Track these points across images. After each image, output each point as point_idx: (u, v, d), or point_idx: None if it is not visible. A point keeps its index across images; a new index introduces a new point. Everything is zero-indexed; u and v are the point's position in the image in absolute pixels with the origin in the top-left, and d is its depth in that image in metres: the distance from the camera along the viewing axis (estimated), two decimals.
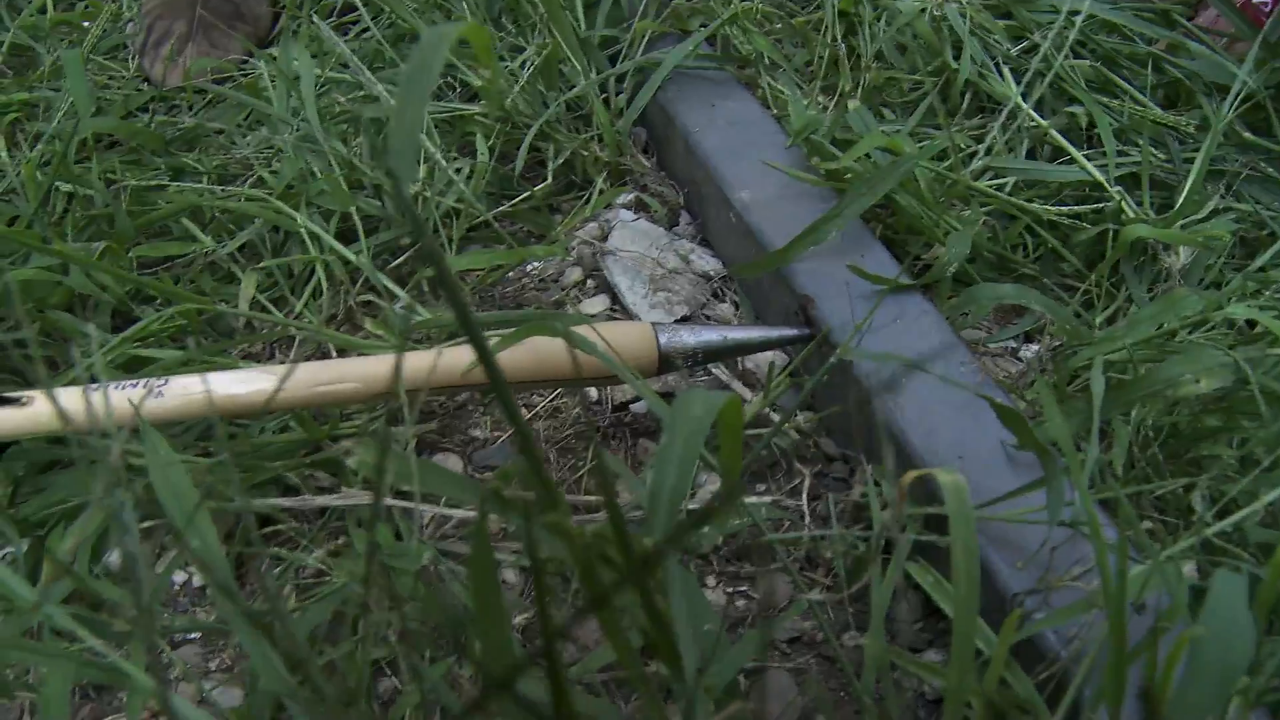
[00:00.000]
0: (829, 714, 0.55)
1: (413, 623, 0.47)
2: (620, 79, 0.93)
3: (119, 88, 1.11)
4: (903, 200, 0.74)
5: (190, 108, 1.07)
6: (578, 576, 0.31)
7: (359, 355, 0.72)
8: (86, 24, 1.19)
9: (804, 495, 0.65)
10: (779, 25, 0.96)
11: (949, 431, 0.59)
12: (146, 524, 0.60)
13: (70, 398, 0.62)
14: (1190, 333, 0.65)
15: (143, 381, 0.60)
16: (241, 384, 0.62)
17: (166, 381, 0.60)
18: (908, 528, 0.53)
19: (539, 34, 0.94)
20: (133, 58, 1.15)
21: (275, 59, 1.08)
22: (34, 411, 0.62)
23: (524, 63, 0.92)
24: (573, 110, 0.93)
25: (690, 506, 0.62)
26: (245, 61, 1.13)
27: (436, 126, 0.89)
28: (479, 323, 0.73)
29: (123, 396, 0.60)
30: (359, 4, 1.09)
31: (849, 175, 0.75)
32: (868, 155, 0.75)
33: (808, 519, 0.64)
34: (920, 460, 0.58)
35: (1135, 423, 0.58)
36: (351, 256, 0.79)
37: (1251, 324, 0.66)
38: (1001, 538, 0.53)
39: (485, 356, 0.28)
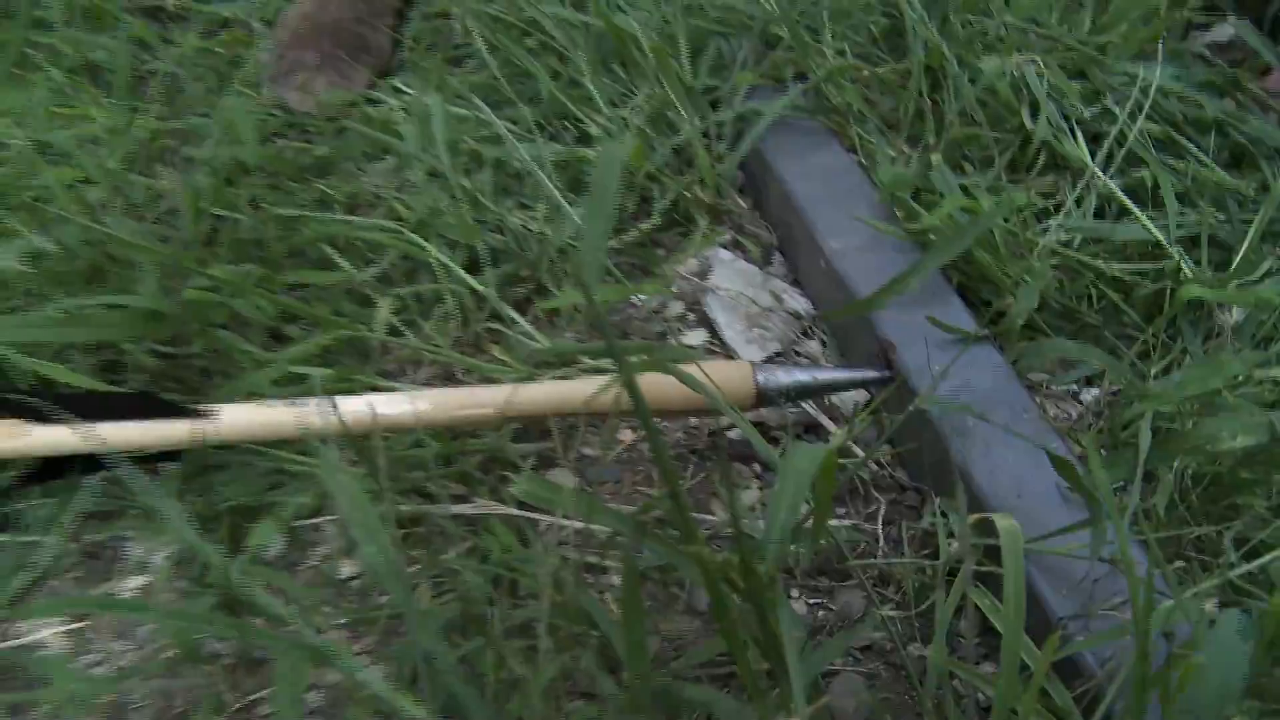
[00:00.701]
0: (894, 714, 0.64)
1: (550, 618, 0.57)
2: (720, 125, 1.02)
3: (253, 112, 1.22)
4: (978, 254, 0.83)
5: (321, 134, 1.19)
6: (707, 593, 0.41)
7: (484, 381, 0.83)
8: (220, 50, 1.31)
9: (879, 521, 0.75)
10: (866, 73, 1.05)
11: (1010, 472, 0.68)
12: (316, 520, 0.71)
13: (246, 413, 0.73)
14: (1235, 390, 0.74)
15: (314, 400, 0.71)
16: (393, 405, 0.72)
17: (335, 402, 0.71)
18: (969, 557, 0.62)
19: (649, 83, 1.03)
20: (266, 84, 1.26)
21: (398, 90, 1.19)
22: (213, 424, 0.73)
23: (632, 107, 1.02)
24: (677, 153, 1.03)
25: None
26: (370, 88, 1.24)
27: (555, 166, 0.99)
28: (589, 351, 0.84)
29: (296, 412, 0.71)
30: (476, 39, 1.20)
31: (931, 232, 0.84)
32: (949, 214, 0.84)
33: (881, 542, 0.74)
34: (983, 496, 0.67)
35: (1177, 472, 0.66)
36: (478, 286, 0.90)
37: None
38: (1051, 568, 0.62)
39: (635, 395, 0.38)
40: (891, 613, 0.70)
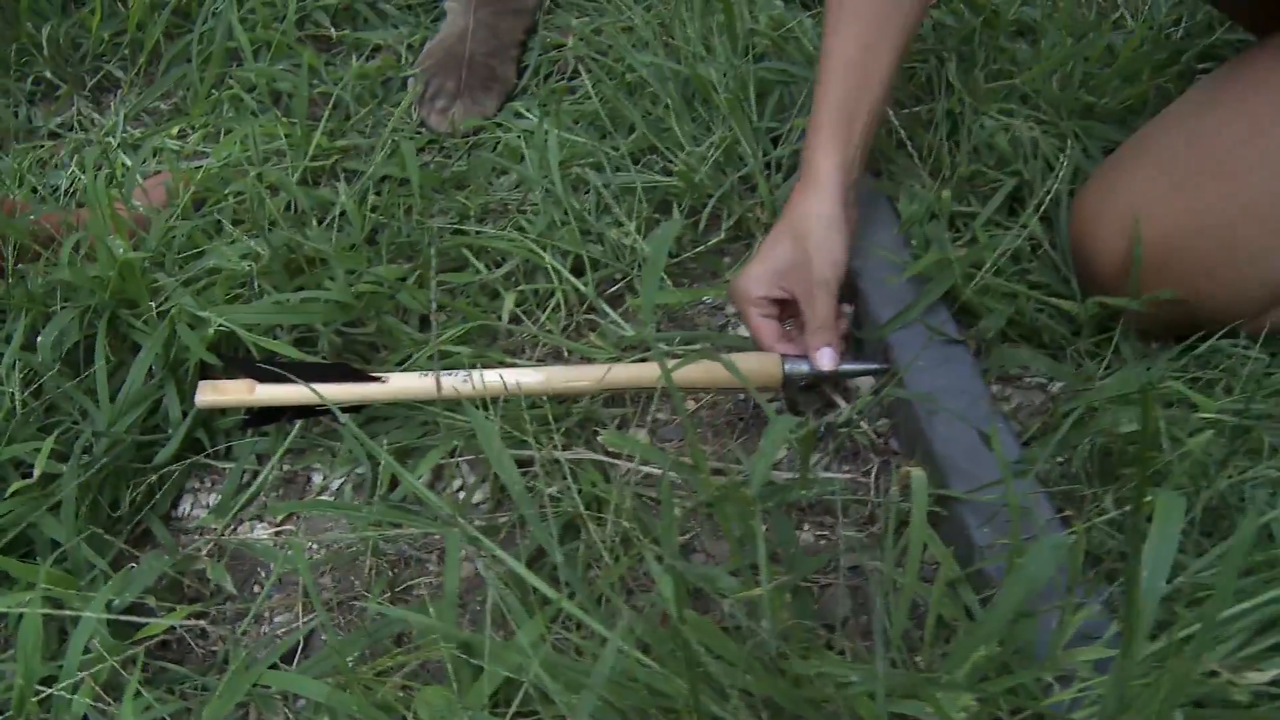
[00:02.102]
0: (867, 615, 0.92)
1: (629, 527, 0.86)
2: (780, 158, 1.30)
3: (399, 130, 1.53)
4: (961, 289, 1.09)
5: (457, 150, 1.49)
6: (707, 503, 0.69)
7: (584, 360, 1.12)
8: (374, 74, 1.62)
9: (873, 476, 1.03)
10: (903, 112, 1.31)
11: (962, 443, 0.95)
12: (456, 459, 1.01)
13: (412, 380, 1.03)
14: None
15: (463, 372, 1.00)
16: (517, 376, 1.02)
17: (477, 371, 1.00)
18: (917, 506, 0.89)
19: (722, 123, 1.31)
20: (414, 107, 1.56)
21: (520, 115, 1.49)
22: (388, 388, 1.03)
23: (710, 145, 1.29)
24: (743, 180, 1.30)
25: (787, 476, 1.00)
26: (498, 113, 1.54)
27: (644, 191, 1.28)
28: (664, 340, 1.12)
29: (450, 381, 1.01)
30: (582, 72, 1.49)
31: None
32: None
33: (872, 492, 1.01)
34: (941, 460, 0.94)
35: (1085, 446, 0.93)
36: (581, 286, 1.19)
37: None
38: (981, 510, 0.89)
39: (668, 380, 0.66)
40: (866, 540, 0.98)
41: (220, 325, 1.05)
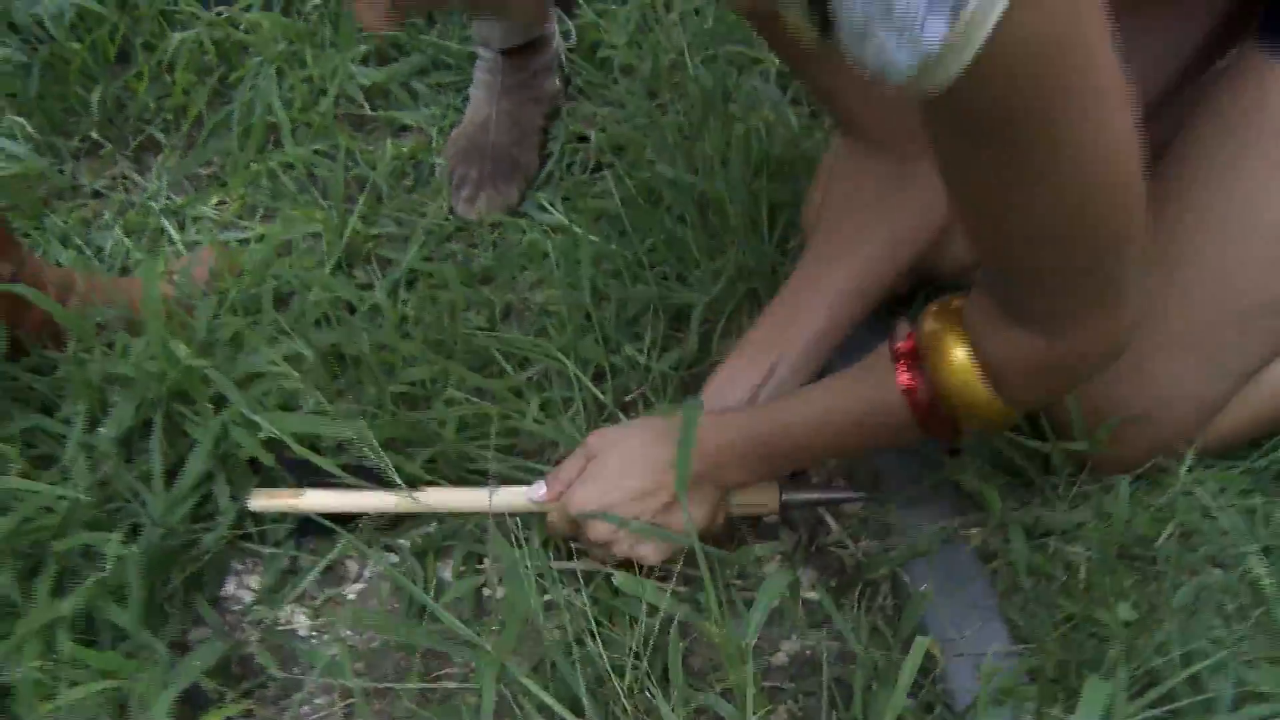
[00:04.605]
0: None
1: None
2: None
3: (430, 216, 1.66)
4: None
5: (483, 240, 1.62)
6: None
7: None
8: (406, 154, 1.74)
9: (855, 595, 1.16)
10: None
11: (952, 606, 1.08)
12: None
13: (439, 493, 1.16)
14: None
15: (485, 490, 1.14)
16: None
17: (493, 490, 1.14)
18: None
19: (736, 244, 1.44)
20: (443, 193, 1.69)
21: (543, 208, 1.62)
22: (422, 501, 1.16)
23: (725, 261, 1.42)
24: (752, 295, 1.43)
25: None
26: (522, 201, 1.67)
27: (662, 306, 1.40)
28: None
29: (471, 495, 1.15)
30: (605, 169, 1.62)
31: None
32: None
33: (855, 609, 1.15)
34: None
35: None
36: (600, 395, 1.32)
37: None
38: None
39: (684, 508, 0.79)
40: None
41: (271, 434, 1.18)
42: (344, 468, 1.19)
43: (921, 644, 0.91)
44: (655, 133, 1.62)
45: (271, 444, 1.20)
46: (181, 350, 1.22)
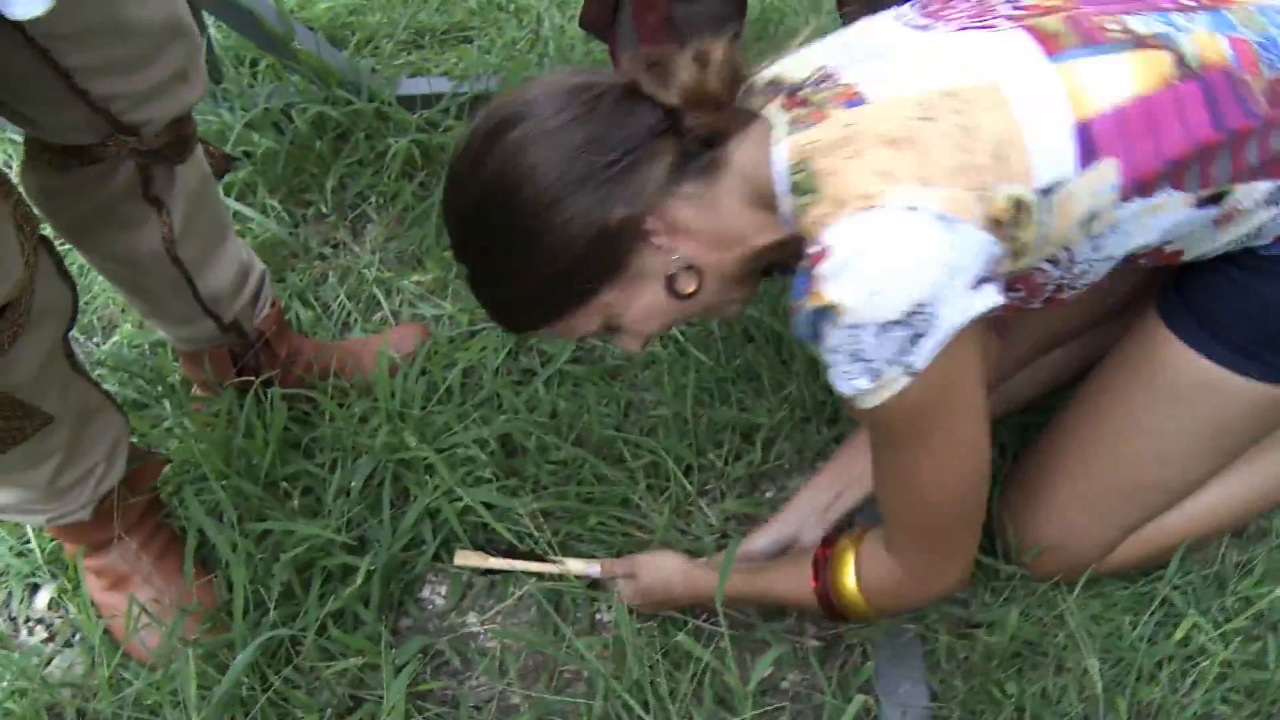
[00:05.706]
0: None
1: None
2: None
3: None
4: None
5: None
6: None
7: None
8: None
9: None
10: None
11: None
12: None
13: (576, 564, 1.75)
14: None
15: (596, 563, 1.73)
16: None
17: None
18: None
19: (800, 376, 1.99)
20: None
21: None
22: (561, 567, 1.75)
23: (787, 393, 1.97)
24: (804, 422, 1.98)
25: None
26: None
27: (739, 424, 1.96)
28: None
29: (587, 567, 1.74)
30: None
31: None
32: None
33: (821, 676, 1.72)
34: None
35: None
36: (688, 486, 1.89)
37: None
38: None
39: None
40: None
41: (468, 504, 1.78)
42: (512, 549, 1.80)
43: (860, 699, 1.48)
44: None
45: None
46: (411, 440, 1.82)
